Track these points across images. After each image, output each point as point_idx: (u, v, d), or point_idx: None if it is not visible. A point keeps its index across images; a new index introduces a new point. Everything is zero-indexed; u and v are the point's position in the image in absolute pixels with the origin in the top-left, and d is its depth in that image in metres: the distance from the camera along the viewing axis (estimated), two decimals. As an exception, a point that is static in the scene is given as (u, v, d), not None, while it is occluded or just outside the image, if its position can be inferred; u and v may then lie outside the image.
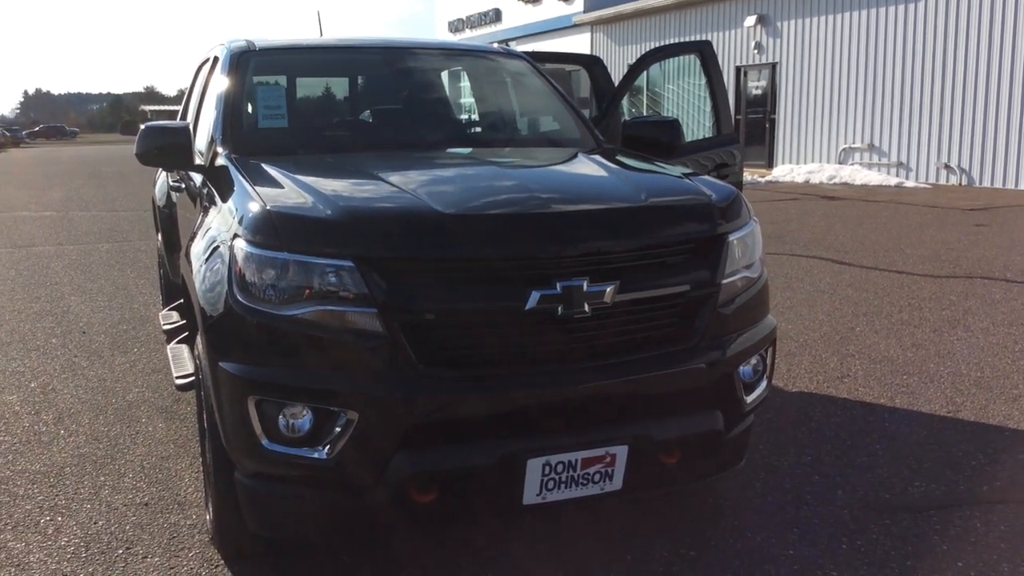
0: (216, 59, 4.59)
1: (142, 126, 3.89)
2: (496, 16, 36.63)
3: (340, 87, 4.92)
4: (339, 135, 4.39)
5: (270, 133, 4.06)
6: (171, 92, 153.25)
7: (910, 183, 18.69)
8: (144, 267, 9.61)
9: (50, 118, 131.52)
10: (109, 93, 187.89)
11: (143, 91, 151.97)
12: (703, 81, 5.36)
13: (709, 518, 3.61)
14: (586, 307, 2.74)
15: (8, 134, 65.73)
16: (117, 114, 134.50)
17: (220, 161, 3.66)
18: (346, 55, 4.82)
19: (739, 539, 3.40)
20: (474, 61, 5.06)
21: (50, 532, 3.55)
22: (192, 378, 3.89)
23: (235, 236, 2.83)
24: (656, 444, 2.91)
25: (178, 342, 4.55)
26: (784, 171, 21.15)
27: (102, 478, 4.06)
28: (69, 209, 16.21)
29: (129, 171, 27.87)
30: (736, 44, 23.64)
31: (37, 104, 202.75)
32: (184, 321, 4.86)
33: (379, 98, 4.70)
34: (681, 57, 6.16)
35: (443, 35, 40.64)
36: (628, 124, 4.45)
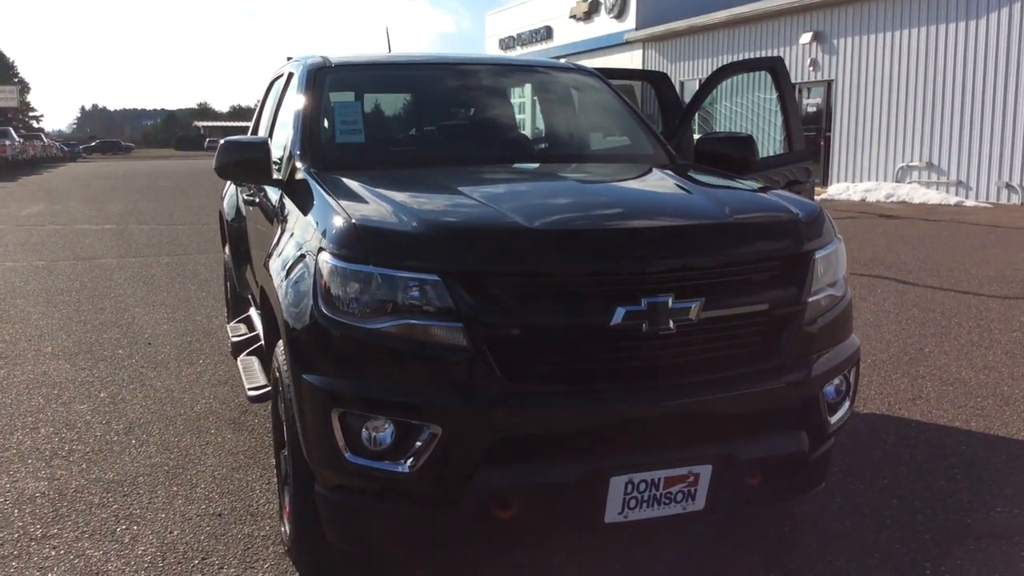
0: (291, 75, 4.64)
1: (221, 141, 3.93)
2: (547, 33, 36.76)
3: (414, 102, 4.94)
4: (415, 150, 4.40)
5: (347, 148, 4.08)
6: (223, 108, 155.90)
7: (970, 202, 18.37)
8: (204, 280, 9.74)
9: (106, 133, 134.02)
10: (163, 109, 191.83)
11: (196, 107, 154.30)
12: (760, 99, 5.31)
13: (788, 540, 3.54)
14: (671, 324, 2.70)
15: (66, 149, 67.14)
16: (171, 130, 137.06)
17: (300, 175, 3.68)
18: (420, 71, 4.83)
19: (819, 563, 3.33)
20: (546, 77, 5.06)
21: (127, 541, 3.58)
22: (265, 390, 3.92)
23: (320, 250, 2.84)
24: (740, 464, 2.85)
25: (248, 354, 4.58)
26: (840, 189, 20.91)
27: (175, 488, 4.10)
28: (128, 222, 16.50)
29: (186, 185, 28.39)
30: (791, 61, 23.40)
31: (93, 119, 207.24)
32: (254, 333, 4.90)
33: (454, 113, 4.70)
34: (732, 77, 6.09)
35: (494, 53, 40.84)
36: (701, 140, 4.41)
